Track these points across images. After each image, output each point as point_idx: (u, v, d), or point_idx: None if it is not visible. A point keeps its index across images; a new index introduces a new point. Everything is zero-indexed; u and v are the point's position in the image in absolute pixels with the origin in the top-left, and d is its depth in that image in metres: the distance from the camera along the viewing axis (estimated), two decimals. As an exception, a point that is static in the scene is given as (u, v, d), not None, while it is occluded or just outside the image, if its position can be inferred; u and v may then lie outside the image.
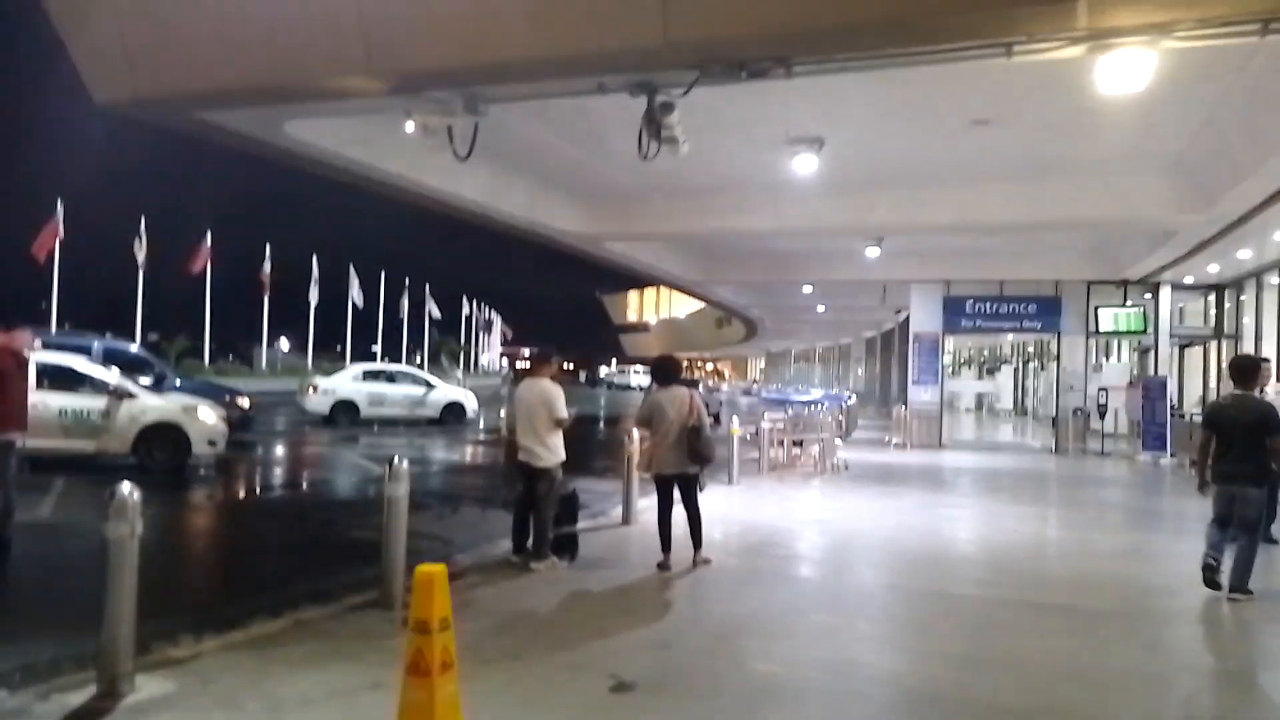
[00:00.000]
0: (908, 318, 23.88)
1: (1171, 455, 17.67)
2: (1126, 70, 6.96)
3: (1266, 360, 9.90)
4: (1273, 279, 17.43)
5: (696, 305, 56.72)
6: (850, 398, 32.36)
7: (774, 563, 8.07)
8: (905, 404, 22.24)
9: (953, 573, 7.98)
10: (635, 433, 8.82)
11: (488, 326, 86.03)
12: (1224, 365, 9.69)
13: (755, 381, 78.43)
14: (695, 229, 17.61)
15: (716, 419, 17.04)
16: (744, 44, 6.86)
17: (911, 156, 13.36)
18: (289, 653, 5.03)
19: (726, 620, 6.07)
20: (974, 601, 6.88)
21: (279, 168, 12.73)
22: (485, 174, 14.23)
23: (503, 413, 7.94)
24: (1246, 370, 7.47)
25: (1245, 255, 16.75)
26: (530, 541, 7.36)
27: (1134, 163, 13.00)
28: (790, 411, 19.20)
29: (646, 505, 8.64)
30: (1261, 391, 8.11)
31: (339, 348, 54.00)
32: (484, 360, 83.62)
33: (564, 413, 7.39)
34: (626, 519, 9.20)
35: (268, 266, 45.92)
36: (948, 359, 26.10)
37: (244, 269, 46.39)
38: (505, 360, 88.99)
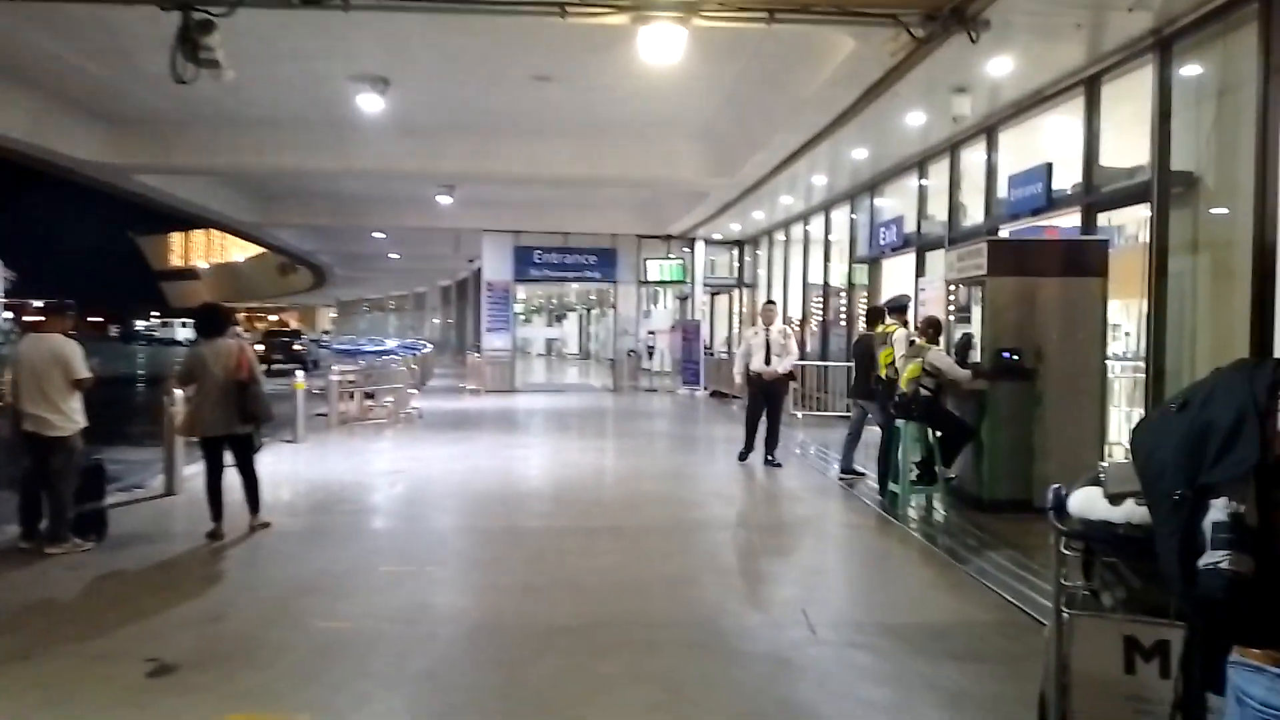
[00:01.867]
0: (481, 266, 24.38)
1: (704, 388, 20.42)
2: (663, 42, 7.68)
3: (772, 302, 11.90)
4: (779, 236, 20.74)
5: (256, 250, 52.23)
6: (426, 346, 32.33)
7: (342, 519, 7.81)
8: (479, 350, 22.81)
9: (521, 508, 8.40)
10: (176, 392, 7.89)
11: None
12: (744, 310, 11.68)
13: (326, 332, 74.66)
14: (249, 165, 16.06)
15: (315, 365, 16.22)
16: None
17: (480, 106, 13.48)
18: None
19: (288, 584, 5.73)
20: (538, 533, 7.33)
21: None
22: (-34, 84, 11.54)
23: (4, 375, 6.60)
24: (870, 315, 9.65)
25: (759, 216, 19.67)
26: (44, 523, 6.29)
27: (674, 129, 14.50)
28: (362, 362, 18.63)
29: (195, 472, 7.80)
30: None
31: None
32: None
33: (83, 372, 6.37)
34: (170, 489, 8.24)
35: None
36: (519, 307, 27.23)
37: None
38: (7, 313, 73.89)
